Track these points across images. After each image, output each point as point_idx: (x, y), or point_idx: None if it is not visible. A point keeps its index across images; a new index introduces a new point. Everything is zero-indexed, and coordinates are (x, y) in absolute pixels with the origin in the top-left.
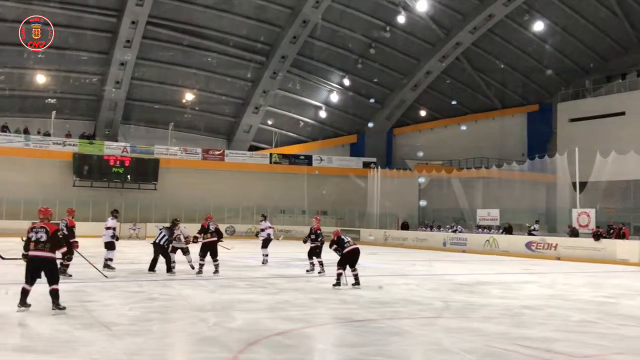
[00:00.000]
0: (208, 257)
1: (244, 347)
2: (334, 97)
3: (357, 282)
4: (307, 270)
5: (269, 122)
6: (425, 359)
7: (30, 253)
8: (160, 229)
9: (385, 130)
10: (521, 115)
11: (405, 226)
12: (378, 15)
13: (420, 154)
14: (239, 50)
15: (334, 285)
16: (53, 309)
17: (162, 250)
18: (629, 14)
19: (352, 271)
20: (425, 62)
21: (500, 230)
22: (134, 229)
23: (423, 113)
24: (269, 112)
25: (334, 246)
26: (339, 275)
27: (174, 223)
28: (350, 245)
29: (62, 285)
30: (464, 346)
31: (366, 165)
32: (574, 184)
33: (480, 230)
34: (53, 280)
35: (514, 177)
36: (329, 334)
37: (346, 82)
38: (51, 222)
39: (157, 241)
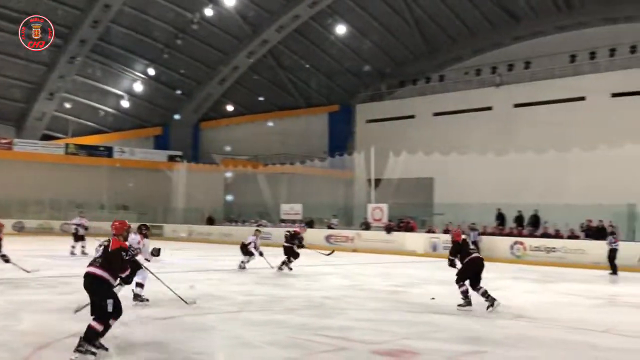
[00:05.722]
0: None
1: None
2: (138, 87)
3: None
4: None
5: (66, 110)
6: (230, 354)
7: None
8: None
9: (192, 123)
10: (323, 114)
11: (210, 221)
12: (185, 6)
13: (227, 148)
14: None
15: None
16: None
17: None
18: (419, 24)
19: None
20: (233, 57)
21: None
22: None
23: (230, 108)
24: (66, 98)
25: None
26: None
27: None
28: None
29: None
30: (268, 339)
31: (172, 158)
32: (369, 180)
33: (283, 224)
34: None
35: (316, 173)
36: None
37: (151, 71)
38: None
39: None
